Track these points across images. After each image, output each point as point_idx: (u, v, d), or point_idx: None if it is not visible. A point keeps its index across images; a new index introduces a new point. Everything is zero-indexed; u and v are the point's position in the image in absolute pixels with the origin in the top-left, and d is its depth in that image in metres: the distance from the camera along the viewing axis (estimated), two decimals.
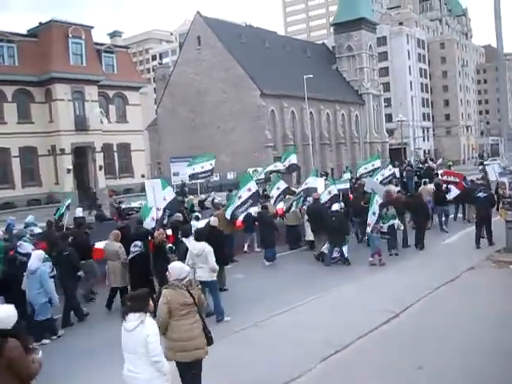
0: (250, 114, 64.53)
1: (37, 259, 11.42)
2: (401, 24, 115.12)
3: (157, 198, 15.92)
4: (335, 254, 17.33)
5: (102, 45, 50.12)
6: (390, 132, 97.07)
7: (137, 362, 6.14)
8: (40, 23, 46.27)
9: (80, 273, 13.24)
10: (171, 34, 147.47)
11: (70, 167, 44.31)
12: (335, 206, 17.73)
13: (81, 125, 45.01)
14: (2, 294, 11.00)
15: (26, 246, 13.39)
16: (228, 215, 17.90)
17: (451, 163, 42.25)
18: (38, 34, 45.71)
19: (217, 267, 11.81)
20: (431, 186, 23.37)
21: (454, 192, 22.90)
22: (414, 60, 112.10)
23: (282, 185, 21.47)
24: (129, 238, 14.08)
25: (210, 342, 7.23)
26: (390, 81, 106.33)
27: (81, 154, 45.94)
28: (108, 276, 13.68)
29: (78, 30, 45.82)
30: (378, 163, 27.22)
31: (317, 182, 21.11)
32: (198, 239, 12.14)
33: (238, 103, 64.99)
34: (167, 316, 6.88)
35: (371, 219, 16.93)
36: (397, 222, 17.81)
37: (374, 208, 16.93)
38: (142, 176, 52.40)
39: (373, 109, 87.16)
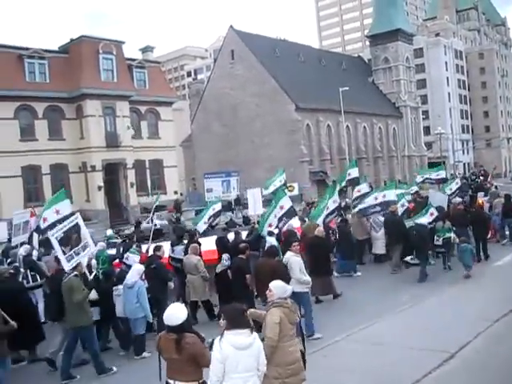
0: (284, 129, 63.26)
1: (136, 273, 11.42)
2: (437, 35, 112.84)
3: (257, 206, 17.68)
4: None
5: (133, 60, 49.47)
6: (429, 145, 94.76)
7: (252, 379, 5.80)
8: (71, 39, 45.88)
9: (170, 283, 13.05)
10: (206, 50, 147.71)
11: (101, 184, 43.54)
12: (423, 220, 17.65)
13: (112, 141, 44.25)
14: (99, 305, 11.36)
15: (133, 258, 13.63)
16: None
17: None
18: (69, 50, 45.28)
19: (304, 278, 11.54)
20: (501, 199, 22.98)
21: None
22: (451, 71, 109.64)
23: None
24: (229, 248, 14.64)
25: (304, 365, 6.95)
26: (427, 93, 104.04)
27: (112, 171, 45.13)
28: (187, 289, 13.87)
29: (109, 46, 45.22)
30: (443, 174, 27.36)
31: (395, 195, 20.61)
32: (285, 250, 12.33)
33: (273, 117, 63.74)
34: (277, 338, 6.49)
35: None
36: (452, 235, 17.48)
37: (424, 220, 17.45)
38: (175, 193, 51.44)
39: (411, 121, 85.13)
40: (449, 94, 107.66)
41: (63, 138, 43.89)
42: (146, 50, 55.27)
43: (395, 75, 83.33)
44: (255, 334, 5.85)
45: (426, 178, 28.19)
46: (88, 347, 10.59)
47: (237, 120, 66.47)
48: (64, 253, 11.07)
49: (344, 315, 12.99)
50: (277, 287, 6.91)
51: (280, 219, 16.21)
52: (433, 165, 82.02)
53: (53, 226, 13.54)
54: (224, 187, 47.66)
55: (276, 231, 16.39)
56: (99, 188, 43.46)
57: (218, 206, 20.47)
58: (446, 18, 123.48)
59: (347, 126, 69.97)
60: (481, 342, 10.27)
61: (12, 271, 12.23)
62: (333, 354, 10.20)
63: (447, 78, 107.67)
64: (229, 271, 12.96)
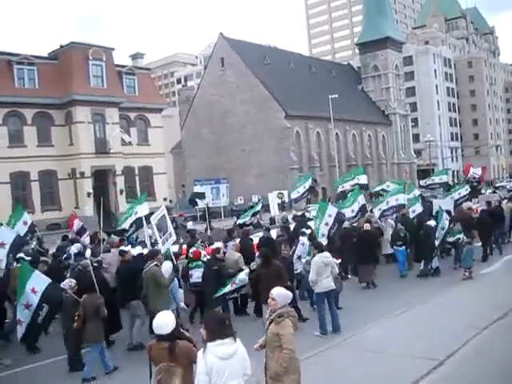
0: (274, 136, 63.40)
1: (168, 270, 12.32)
2: (426, 43, 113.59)
3: (275, 209, 21.27)
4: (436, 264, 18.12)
5: (123, 67, 49.41)
6: (418, 153, 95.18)
7: None
8: (60, 45, 45.80)
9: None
10: (196, 57, 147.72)
11: (91, 191, 43.40)
12: (430, 222, 18.66)
13: (101, 148, 44.17)
14: None
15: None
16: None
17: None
18: (59, 56, 45.23)
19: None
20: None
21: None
22: (440, 79, 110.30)
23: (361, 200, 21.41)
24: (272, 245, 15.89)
25: None
26: (416, 100, 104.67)
27: (101, 178, 45.01)
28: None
29: (99, 52, 45.17)
30: (445, 178, 29.29)
31: (405, 199, 21.86)
32: (323, 250, 12.83)
33: (263, 124, 63.87)
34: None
35: (439, 233, 17.92)
36: (462, 236, 18.21)
37: (444, 223, 17.99)
38: (165, 199, 51.30)
39: (400, 129, 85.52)
40: (438, 101, 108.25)
41: (52, 145, 43.74)
42: (136, 56, 55.25)
43: (384, 83, 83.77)
44: (238, 341, 5.76)
45: (430, 184, 30.01)
46: None
47: (227, 127, 66.55)
48: (160, 236, 12.79)
49: (341, 318, 12.92)
50: (280, 296, 6.79)
51: (332, 227, 17.45)
52: (422, 172, 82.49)
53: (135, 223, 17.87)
54: (214, 194, 47.73)
55: (309, 232, 17.52)
56: (88, 194, 43.29)
57: (258, 207, 24.41)
58: (435, 26, 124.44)
59: (336, 134, 70.22)
60: (469, 349, 10.25)
61: (96, 264, 13.31)
62: (323, 361, 10.15)
63: (436, 86, 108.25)
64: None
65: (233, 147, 65.85)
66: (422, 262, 18.16)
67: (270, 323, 6.64)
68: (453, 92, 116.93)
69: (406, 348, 10.34)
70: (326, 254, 12.62)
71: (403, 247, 18.47)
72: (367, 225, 18.03)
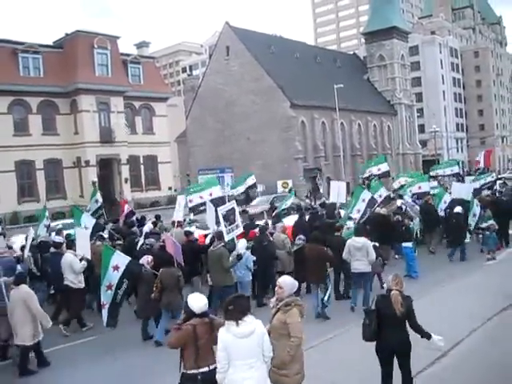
0: (279, 125, 63.17)
1: (244, 246, 13.82)
2: (433, 33, 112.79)
3: (340, 196, 21.35)
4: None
5: (128, 55, 49.34)
6: (423, 143, 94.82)
7: (255, 365, 5.97)
8: (66, 34, 45.74)
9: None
10: (201, 45, 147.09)
11: (95, 179, 43.43)
12: (457, 209, 19.47)
13: (106, 136, 44.18)
14: None
15: None
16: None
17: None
18: (64, 44, 45.20)
19: (374, 258, 13.49)
20: None
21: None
22: (447, 69, 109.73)
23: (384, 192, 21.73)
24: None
25: None
26: (422, 91, 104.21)
27: (106, 166, 45.05)
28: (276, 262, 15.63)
29: (104, 41, 45.09)
30: (456, 169, 28.53)
31: (429, 187, 22.95)
32: (358, 235, 13.85)
33: (268, 114, 63.59)
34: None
35: (472, 220, 19.30)
36: (493, 222, 19.16)
37: (475, 210, 19.32)
38: (169, 189, 51.38)
39: (405, 119, 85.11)
40: (444, 92, 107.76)
41: (57, 133, 43.79)
42: (141, 45, 55.26)
43: (390, 73, 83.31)
44: (256, 322, 6.05)
45: (440, 175, 29.24)
46: None
47: (232, 116, 66.31)
48: (225, 226, 13.88)
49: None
50: (287, 284, 6.85)
51: (364, 212, 18.27)
52: (428, 162, 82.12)
53: (197, 206, 18.75)
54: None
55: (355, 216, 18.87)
56: (93, 183, 43.29)
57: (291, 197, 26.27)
58: (441, 16, 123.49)
59: (342, 123, 69.93)
60: (474, 340, 10.23)
61: (162, 244, 14.24)
62: (328, 350, 10.13)
63: (442, 76, 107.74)
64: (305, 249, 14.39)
65: (238, 136, 65.67)
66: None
67: (276, 312, 6.70)
68: (459, 82, 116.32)
69: (411, 337, 10.28)
70: (360, 239, 13.49)
71: (410, 243, 17.40)
72: (384, 210, 19.47)
